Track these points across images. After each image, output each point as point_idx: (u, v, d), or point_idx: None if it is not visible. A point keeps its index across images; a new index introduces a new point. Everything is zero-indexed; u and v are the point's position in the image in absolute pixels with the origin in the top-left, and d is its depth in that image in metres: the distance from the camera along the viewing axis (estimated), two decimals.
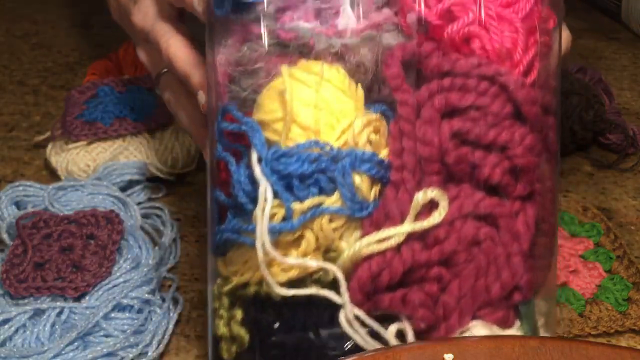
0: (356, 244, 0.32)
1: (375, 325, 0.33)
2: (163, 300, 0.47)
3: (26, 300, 0.46)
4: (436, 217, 0.32)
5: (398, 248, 0.33)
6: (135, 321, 0.45)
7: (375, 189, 0.34)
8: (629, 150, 0.61)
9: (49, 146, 0.61)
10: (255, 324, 0.34)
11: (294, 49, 0.34)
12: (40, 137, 0.64)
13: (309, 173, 0.32)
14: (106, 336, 0.44)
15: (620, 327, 0.46)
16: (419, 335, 0.34)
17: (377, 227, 0.33)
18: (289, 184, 0.32)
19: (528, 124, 0.34)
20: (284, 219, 0.32)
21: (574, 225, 0.54)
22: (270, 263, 0.33)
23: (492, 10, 0.33)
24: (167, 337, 0.45)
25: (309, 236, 0.33)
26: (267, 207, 0.32)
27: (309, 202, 0.32)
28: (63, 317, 0.45)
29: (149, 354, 0.44)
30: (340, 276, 0.33)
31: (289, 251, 0.33)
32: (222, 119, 0.35)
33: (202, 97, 0.40)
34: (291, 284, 0.33)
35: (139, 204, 0.54)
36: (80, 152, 0.59)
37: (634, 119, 0.67)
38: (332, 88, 0.33)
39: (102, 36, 0.82)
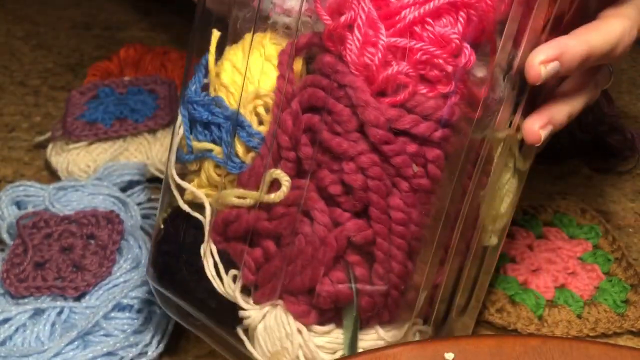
0: (222, 190, 0.38)
1: (217, 260, 0.38)
2: None
3: (26, 300, 0.46)
4: (277, 195, 0.36)
5: (248, 210, 0.37)
6: (135, 321, 0.45)
7: (251, 156, 0.38)
8: (627, 153, 0.61)
9: (50, 146, 0.61)
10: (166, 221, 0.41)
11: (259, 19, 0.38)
12: (41, 138, 0.64)
13: (207, 122, 0.38)
14: (106, 336, 0.44)
15: (618, 329, 0.46)
16: (245, 291, 0.38)
17: (242, 186, 0.37)
18: (196, 127, 0.39)
19: (369, 145, 0.33)
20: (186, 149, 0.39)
21: (572, 227, 0.54)
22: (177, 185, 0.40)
23: (364, 15, 0.32)
24: (166, 336, 0.45)
25: (202, 174, 0.39)
26: (176, 139, 0.39)
27: (201, 145, 0.39)
28: (63, 316, 0.45)
29: (149, 353, 0.44)
30: (207, 209, 0.39)
31: (192, 179, 0.40)
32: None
33: None
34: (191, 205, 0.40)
35: (139, 204, 0.55)
36: (81, 153, 0.59)
37: (632, 122, 0.67)
38: (259, 57, 0.38)
39: (103, 37, 0.82)
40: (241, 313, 0.38)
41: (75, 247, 0.49)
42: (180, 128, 0.39)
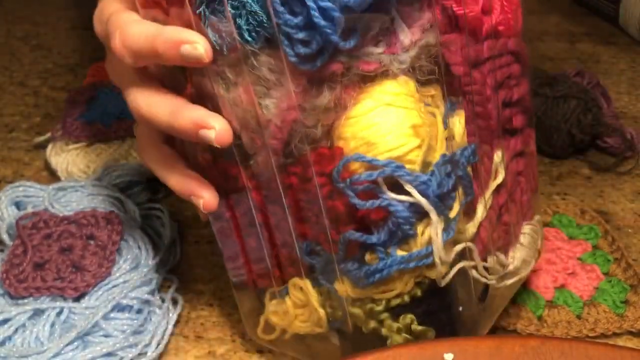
0: (469, 221, 0.38)
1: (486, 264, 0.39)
2: (162, 300, 0.47)
3: (26, 300, 0.46)
4: (502, 175, 0.39)
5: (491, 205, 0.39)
6: (135, 321, 0.45)
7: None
8: (626, 154, 0.61)
9: (49, 147, 0.61)
10: (431, 317, 0.38)
11: (372, 78, 0.35)
12: (41, 138, 0.64)
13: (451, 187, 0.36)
14: (105, 336, 0.44)
15: (617, 329, 0.46)
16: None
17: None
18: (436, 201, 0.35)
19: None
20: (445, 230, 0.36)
21: (571, 228, 0.54)
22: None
23: None
24: (166, 337, 0.45)
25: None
26: (439, 227, 0.35)
27: (456, 206, 0.36)
28: (62, 317, 0.45)
29: (149, 354, 0.44)
30: (472, 247, 0.38)
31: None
32: (339, 174, 0.35)
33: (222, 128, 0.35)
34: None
35: (138, 204, 0.55)
36: (80, 153, 0.59)
37: (632, 122, 0.67)
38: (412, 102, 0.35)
39: None
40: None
41: (74, 248, 0.49)
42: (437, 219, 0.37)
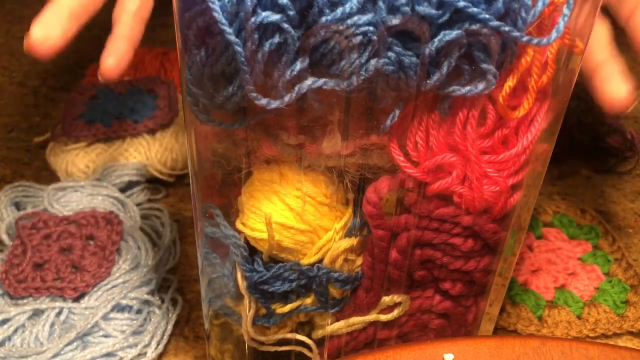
0: (327, 328, 0.38)
1: None
2: (162, 301, 0.47)
3: (25, 301, 0.46)
4: (398, 312, 0.37)
5: (364, 327, 0.38)
6: (135, 322, 0.45)
7: (347, 291, 0.37)
8: (627, 154, 0.61)
9: (49, 147, 0.61)
10: None
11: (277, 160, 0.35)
12: (40, 138, 0.64)
13: (290, 290, 0.36)
14: (105, 336, 0.44)
15: (618, 330, 0.46)
16: None
17: (347, 317, 0.38)
18: (272, 295, 0.37)
19: (491, 253, 0.36)
20: (266, 315, 0.37)
21: (572, 228, 0.54)
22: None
23: (478, 171, 0.33)
24: (166, 337, 0.45)
25: (289, 322, 0.39)
26: (251, 312, 0.37)
27: (289, 307, 0.37)
28: (62, 317, 0.45)
29: (148, 354, 0.44)
30: (313, 346, 0.39)
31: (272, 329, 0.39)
32: (207, 221, 0.36)
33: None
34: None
35: (138, 205, 0.55)
36: (80, 153, 0.59)
37: (632, 122, 0.67)
38: (314, 204, 0.35)
39: (102, 38, 0.82)
40: None
41: (74, 248, 0.49)
42: (250, 305, 0.37)
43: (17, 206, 0.54)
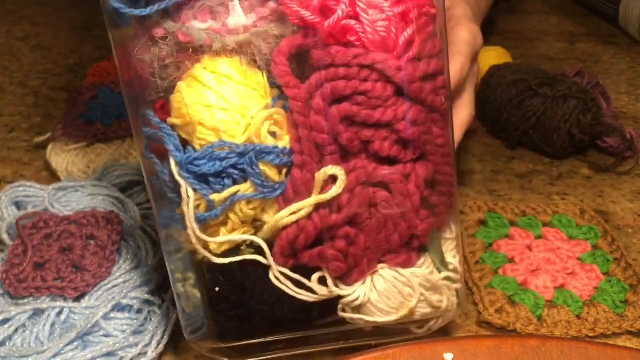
0: (272, 219, 0.39)
1: (298, 277, 0.40)
2: (163, 300, 0.47)
3: (26, 300, 0.46)
4: (337, 189, 0.38)
5: (309, 216, 0.39)
6: (135, 321, 0.45)
7: (283, 171, 0.38)
8: (626, 154, 0.61)
9: (49, 147, 0.61)
10: (203, 284, 0.41)
11: (195, 49, 0.37)
12: (41, 138, 0.64)
13: (221, 170, 0.37)
14: (106, 336, 0.44)
15: (617, 329, 0.46)
16: (338, 279, 0.40)
17: (289, 202, 0.38)
18: (206, 180, 0.38)
19: (410, 100, 0.37)
20: (208, 208, 0.38)
21: (571, 228, 0.54)
22: (205, 242, 0.39)
23: (362, 2, 0.35)
24: (166, 337, 0.45)
25: (233, 217, 0.39)
26: (190, 203, 0.38)
27: (225, 194, 0.38)
28: (63, 317, 0.45)
29: (149, 354, 0.44)
30: (263, 245, 0.39)
31: (219, 229, 0.39)
32: (143, 123, 0.38)
33: None
34: (228, 252, 0.39)
35: (138, 204, 0.55)
36: (81, 153, 0.59)
37: (631, 122, 0.67)
38: (233, 84, 0.37)
39: (103, 38, 0.82)
40: (345, 300, 0.41)
41: (74, 248, 0.49)
42: (188, 195, 0.38)
43: (18, 206, 0.54)
